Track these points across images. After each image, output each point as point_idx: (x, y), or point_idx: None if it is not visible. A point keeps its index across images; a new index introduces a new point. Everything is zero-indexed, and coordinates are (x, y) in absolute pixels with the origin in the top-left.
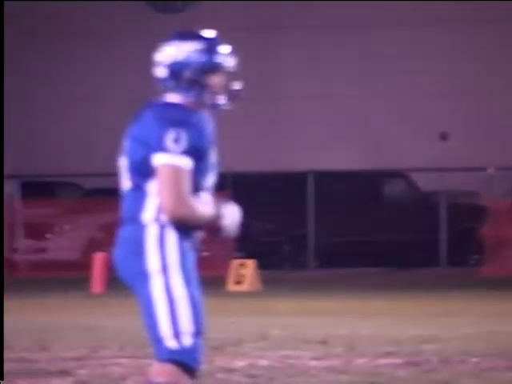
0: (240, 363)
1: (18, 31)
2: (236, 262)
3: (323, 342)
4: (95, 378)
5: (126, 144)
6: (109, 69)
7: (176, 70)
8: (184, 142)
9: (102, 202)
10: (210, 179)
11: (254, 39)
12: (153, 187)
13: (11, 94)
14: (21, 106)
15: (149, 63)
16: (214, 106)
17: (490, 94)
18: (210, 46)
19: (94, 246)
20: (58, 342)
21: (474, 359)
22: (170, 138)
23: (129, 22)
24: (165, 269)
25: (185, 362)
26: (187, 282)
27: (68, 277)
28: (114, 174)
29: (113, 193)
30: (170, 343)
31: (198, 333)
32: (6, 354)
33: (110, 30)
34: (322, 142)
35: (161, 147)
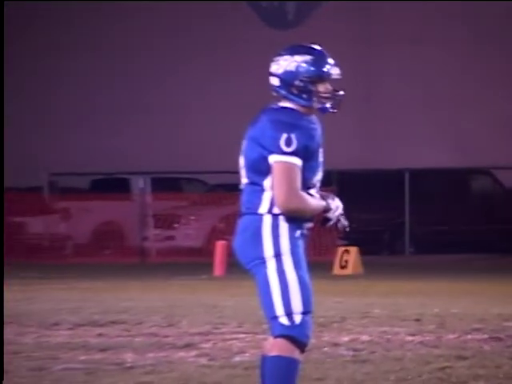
0: (344, 338)
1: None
2: (341, 249)
3: (417, 320)
4: (217, 351)
5: (245, 144)
6: (230, 78)
7: (288, 79)
8: (295, 144)
9: (224, 196)
10: (318, 176)
11: (357, 50)
12: (268, 183)
13: (139, 96)
14: (149, 108)
15: (264, 73)
16: (322, 111)
17: None
18: (318, 57)
19: (216, 234)
20: (184, 319)
21: None
22: (283, 139)
23: (249, 37)
24: (278, 255)
25: (296, 337)
26: (298, 266)
27: (193, 262)
28: (234, 172)
29: (233, 188)
30: (283, 321)
31: (307, 311)
32: (139, 330)
33: (234, 44)
34: (416, 143)
35: (275, 148)
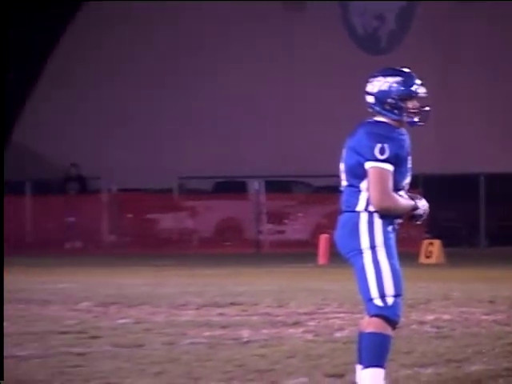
0: (429, 317)
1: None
2: (426, 242)
3: (491, 302)
4: (320, 328)
5: (344, 153)
6: (333, 96)
7: (381, 97)
8: (387, 152)
9: (327, 197)
10: (407, 180)
11: (438, 69)
12: (364, 185)
13: (256, 107)
14: (265, 118)
15: (360, 91)
16: (411, 124)
17: None
18: (407, 78)
19: (320, 229)
20: (292, 300)
21: None
22: (377, 149)
23: (347, 60)
24: (373, 246)
25: (388, 316)
26: (390, 256)
27: (300, 252)
28: (335, 175)
29: (334, 189)
30: (378, 302)
31: (398, 294)
32: (255, 310)
33: (338, 65)
34: (490, 148)
35: (370, 156)
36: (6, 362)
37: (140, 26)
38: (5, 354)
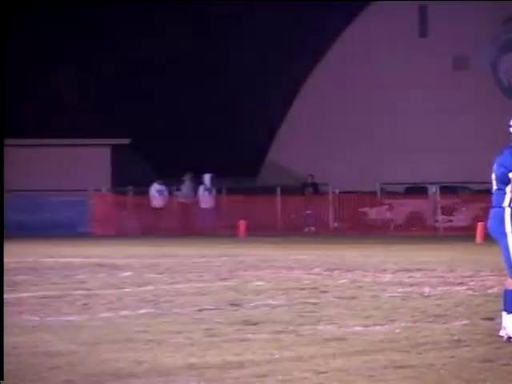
0: None
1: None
2: None
3: None
4: (478, 286)
5: (494, 166)
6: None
7: None
8: None
9: (482, 197)
10: None
11: None
12: (508, 189)
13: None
14: (437, 137)
15: (503, 124)
16: None
17: None
18: None
19: (477, 218)
20: (459, 267)
21: None
22: None
23: (491, 104)
24: None
25: None
26: None
27: (464, 235)
28: (488, 182)
29: (487, 192)
30: None
31: None
32: (433, 274)
33: (482, 106)
34: None
35: None
36: (262, 310)
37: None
38: (269, 302)
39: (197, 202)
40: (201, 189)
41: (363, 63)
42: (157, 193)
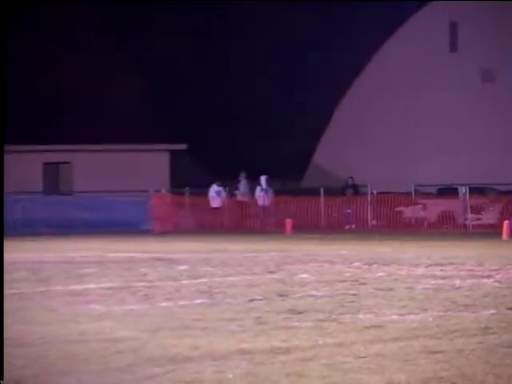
0: None
1: None
2: None
3: None
4: (504, 278)
5: None
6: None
7: None
8: None
9: (508, 197)
10: None
11: None
12: None
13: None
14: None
15: None
16: None
17: None
18: None
19: (503, 217)
20: (487, 261)
21: None
22: None
23: None
24: None
25: None
26: None
27: (491, 232)
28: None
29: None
30: None
31: None
32: (462, 267)
33: None
34: None
35: None
36: (306, 300)
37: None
38: (313, 293)
39: (254, 201)
40: (257, 189)
41: (400, 73)
42: (215, 193)
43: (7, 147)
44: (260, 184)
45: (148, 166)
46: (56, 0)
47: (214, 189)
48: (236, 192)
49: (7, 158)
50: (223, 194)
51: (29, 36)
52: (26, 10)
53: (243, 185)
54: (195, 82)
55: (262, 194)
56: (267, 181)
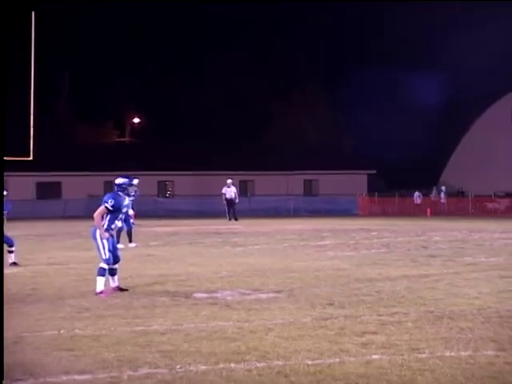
0: None
1: None
2: None
3: None
4: None
5: None
6: None
7: None
8: None
9: None
10: None
11: None
12: None
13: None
14: None
15: None
16: None
17: None
18: None
19: None
20: None
21: None
22: None
23: None
24: None
25: None
26: None
27: None
28: None
29: None
30: None
31: None
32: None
33: None
34: None
35: None
36: (438, 250)
37: None
38: (439, 247)
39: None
40: (442, 194)
41: None
42: (418, 197)
43: None
44: (443, 191)
45: (350, 187)
46: None
47: (416, 194)
48: (431, 195)
49: None
50: (421, 196)
51: None
52: None
53: (435, 191)
54: None
55: (443, 197)
56: (446, 189)
